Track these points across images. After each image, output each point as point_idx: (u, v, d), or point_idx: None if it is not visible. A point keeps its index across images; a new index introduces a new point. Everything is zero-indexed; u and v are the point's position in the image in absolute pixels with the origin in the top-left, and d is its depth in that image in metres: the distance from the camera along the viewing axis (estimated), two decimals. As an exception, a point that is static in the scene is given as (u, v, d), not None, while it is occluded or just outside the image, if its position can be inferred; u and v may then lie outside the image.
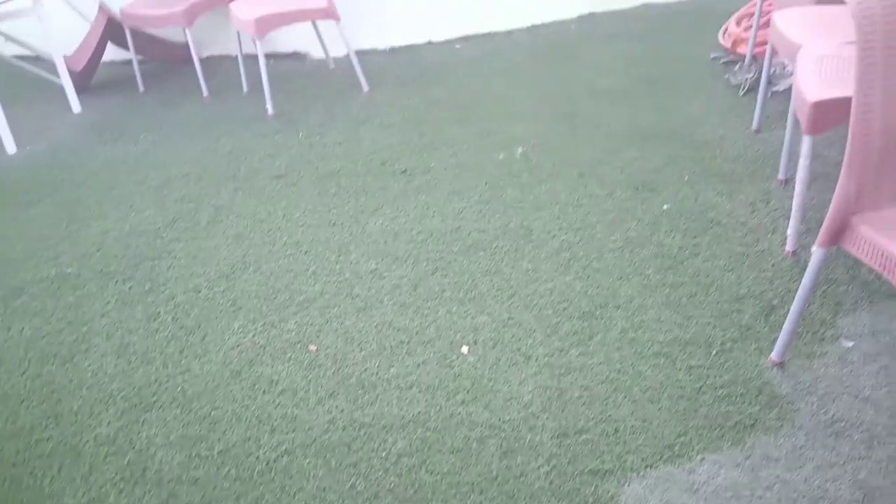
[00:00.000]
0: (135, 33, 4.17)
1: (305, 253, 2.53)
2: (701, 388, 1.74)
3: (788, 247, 2.17)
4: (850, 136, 1.40)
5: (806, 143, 2.00)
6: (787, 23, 2.51)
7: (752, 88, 3.20)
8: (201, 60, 4.09)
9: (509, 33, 4.44)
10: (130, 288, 2.45)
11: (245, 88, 4.07)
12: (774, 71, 3.10)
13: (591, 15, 4.46)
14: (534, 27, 4.46)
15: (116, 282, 2.49)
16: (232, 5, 3.73)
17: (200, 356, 2.08)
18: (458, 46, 4.40)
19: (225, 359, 2.06)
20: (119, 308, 2.35)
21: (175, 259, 2.58)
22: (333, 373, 1.95)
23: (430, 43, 4.47)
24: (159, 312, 2.30)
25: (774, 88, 3.10)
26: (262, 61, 3.60)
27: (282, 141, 3.44)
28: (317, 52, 4.35)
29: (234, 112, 3.84)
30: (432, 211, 2.71)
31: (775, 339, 1.78)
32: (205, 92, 4.05)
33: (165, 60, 4.59)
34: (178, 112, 3.95)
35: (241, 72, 4.07)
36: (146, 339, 2.18)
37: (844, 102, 1.49)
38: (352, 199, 2.86)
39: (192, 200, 2.99)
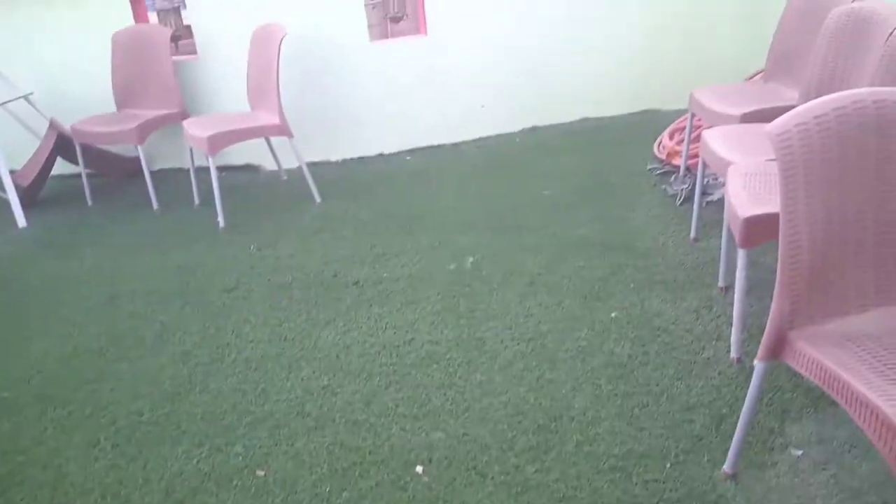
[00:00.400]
0: (85, 148, 4.18)
1: (255, 370, 2.48)
2: (657, 503, 1.72)
3: (733, 354, 2.23)
4: (780, 256, 1.48)
5: (741, 256, 2.10)
6: (716, 140, 2.69)
7: (688, 198, 3.36)
8: (152, 173, 4.12)
9: (457, 145, 4.61)
10: (70, 413, 2.34)
11: (196, 201, 4.08)
12: (707, 182, 3.28)
13: (535, 128, 4.68)
14: (480, 139, 4.65)
15: (55, 407, 2.38)
16: (185, 123, 3.81)
17: (141, 486, 1.98)
18: (408, 158, 4.55)
19: (167, 488, 1.96)
20: (57, 435, 2.23)
21: (118, 380, 2.50)
22: (282, 500, 1.88)
23: (381, 155, 4.61)
24: (99, 439, 2.19)
25: (709, 199, 3.27)
26: (214, 175, 3.64)
27: (233, 254, 3.43)
28: (269, 164, 4.43)
29: (184, 225, 3.83)
30: (385, 323, 2.71)
31: (727, 449, 1.79)
32: (155, 205, 4.04)
33: (115, 174, 4.59)
34: (126, 226, 3.92)
35: (193, 185, 4.10)
36: (84, 468, 2.07)
37: (774, 218, 1.58)
38: (304, 313, 2.84)
39: (139, 317, 2.93)
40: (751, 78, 3.89)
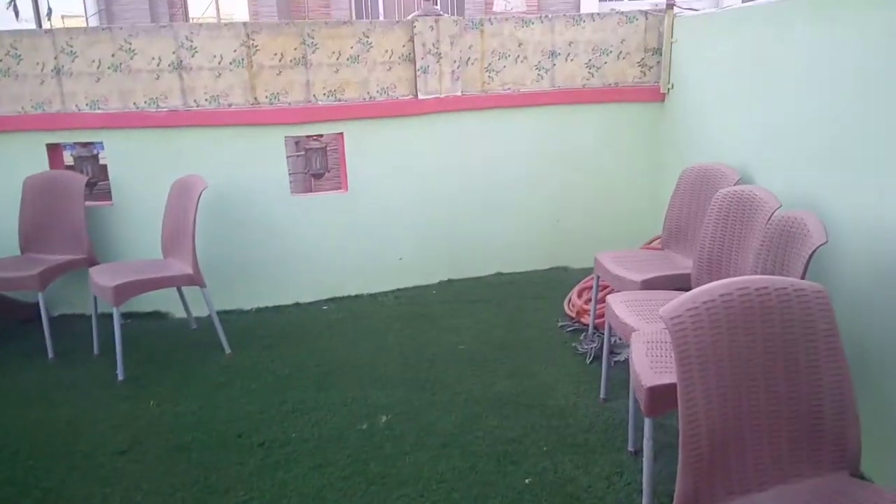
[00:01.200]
0: (-21, 292, 3.96)
1: (142, 548, 2.27)
2: None
3: (644, 525, 2.22)
4: (680, 439, 1.52)
5: (647, 425, 2.14)
6: (619, 306, 2.82)
7: (598, 357, 3.46)
8: (53, 319, 3.92)
9: (374, 296, 4.63)
10: None
11: (96, 350, 3.87)
12: (615, 342, 3.39)
13: (450, 281, 4.79)
14: (398, 291, 4.69)
15: None
16: (92, 270, 3.69)
17: None
18: (325, 308, 4.52)
19: None
20: None
21: (-18, 562, 2.23)
22: None
23: (297, 304, 4.56)
24: None
25: (616, 358, 3.37)
26: (117, 323, 3.49)
27: (130, 410, 3.23)
28: (179, 312, 4.30)
29: (80, 377, 3.60)
30: (290, 490, 2.57)
31: None
32: (50, 354, 3.80)
33: (10, 318, 4.33)
34: (16, 376, 3.65)
35: (94, 332, 3.90)
36: None
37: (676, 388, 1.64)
38: (202, 478, 2.66)
39: (16, 485, 2.67)
40: (649, 243, 4.17)
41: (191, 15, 11.53)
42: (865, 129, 2.44)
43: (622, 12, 4.62)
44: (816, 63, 2.77)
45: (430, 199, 4.65)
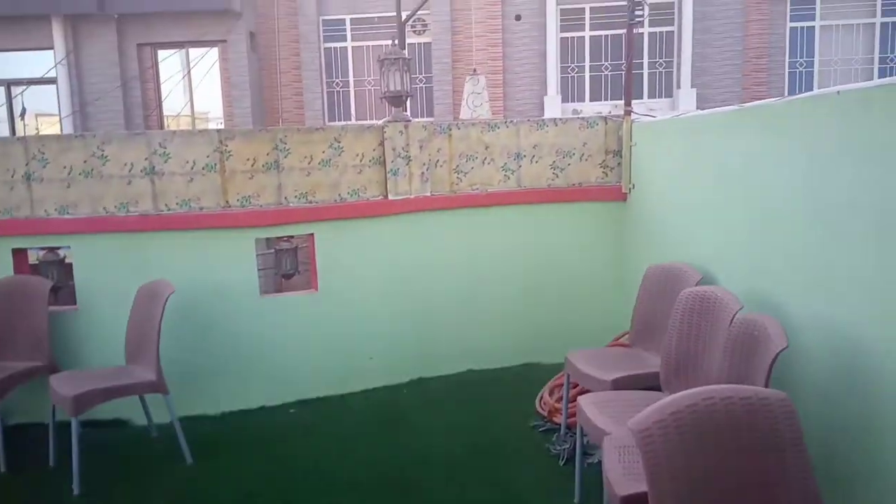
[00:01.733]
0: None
1: None
2: None
3: None
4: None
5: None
6: (590, 408, 2.81)
7: (571, 458, 3.40)
8: (7, 428, 3.76)
9: (343, 398, 4.54)
10: None
11: (52, 462, 3.70)
12: (587, 442, 3.35)
13: (421, 380, 4.73)
14: (367, 391, 4.61)
15: None
16: (52, 378, 3.58)
17: None
18: (292, 411, 4.41)
19: None
20: None
21: None
22: None
23: (263, 408, 4.44)
24: None
25: (589, 461, 3.32)
26: (75, 434, 3.36)
27: (85, 528, 3.08)
28: (140, 419, 4.15)
29: (33, 493, 3.43)
30: None
31: None
32: (2, 468, 3.63)
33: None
34: (-37, 493, 3.47)
35: (51, 443, 3.74)
36: None
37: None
38: None
39: None
40: (618, 338, 4.20)
41: (165, 114, 11.76)
42: (814, 235, 2.54)
43: (583, 118, 4.84)
44: (764, 170, 2.91)
45: (400, 298, 4.66)
